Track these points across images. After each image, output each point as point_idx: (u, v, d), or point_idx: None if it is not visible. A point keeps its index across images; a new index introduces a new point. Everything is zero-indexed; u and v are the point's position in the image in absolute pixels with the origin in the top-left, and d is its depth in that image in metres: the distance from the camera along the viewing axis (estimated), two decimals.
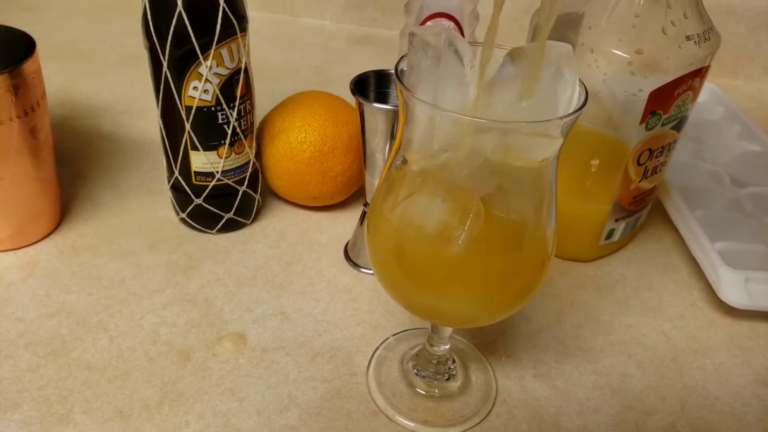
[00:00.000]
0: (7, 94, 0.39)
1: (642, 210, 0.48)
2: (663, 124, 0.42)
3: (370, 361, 0.39)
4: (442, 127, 0.26)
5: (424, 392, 0.37)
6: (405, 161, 0.29)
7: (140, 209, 0.50)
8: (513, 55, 0.27)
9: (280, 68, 0.72)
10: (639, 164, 0.44)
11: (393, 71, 0.41)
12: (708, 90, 0.66)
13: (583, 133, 0.44)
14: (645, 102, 0.40)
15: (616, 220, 0.46)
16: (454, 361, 0.39)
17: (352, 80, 0.40)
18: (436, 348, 0.37)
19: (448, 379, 0.38)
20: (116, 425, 0.34)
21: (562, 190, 0.45)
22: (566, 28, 0.42)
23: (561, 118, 0.25)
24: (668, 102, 0.41)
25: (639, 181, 0.45)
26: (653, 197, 0.49)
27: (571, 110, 0.26)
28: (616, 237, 0.48)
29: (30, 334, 0.39)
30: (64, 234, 0.47)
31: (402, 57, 0.28)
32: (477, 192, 0.28)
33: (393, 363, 0.39)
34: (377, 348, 0.40)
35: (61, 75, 0.67)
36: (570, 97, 0.27)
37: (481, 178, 0.27)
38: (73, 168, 0.53)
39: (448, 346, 0.37)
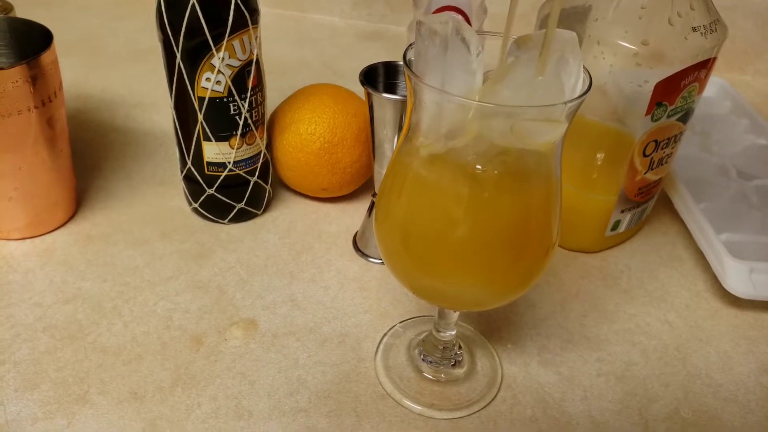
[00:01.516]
0: (25, 84, 0.40)
1: (648, 201, 0.49)
2: (669, 116, 0.43)
3: (377, 347, 0.40)
4: (449, 112, 0.27)
5: (430, 377, 0.38)
6: (412, 147, 0.30)
7: (153, 199, 0.51)
8: (519, 43, 0.28)
9: (290, 63, 0.73)
10: (645, 155, 0.44)
11: (401, 63, 0.42)
12: (716, 84, 0.67)
13: (588, 125, 0.45)
14: (651, 93, 0.41)
15: (622, 212, 0.47)
16: (460, 347, 0.39)
17: (361, 71, 0.41)
18: (442, 334, 0.38)
19: (454, 365, 0.39)
20: (131, 406, 0.35)
21: (568, 182, 0.46)
22: (573, 20, 0.43)
23: (565, 102, 0.26)
24: (674, 93, 0.42)
25: (645, 173, 0.45)
26: (659, 189, 0.49)
27: (576, 96, 0.27)
28: (621, 228, 0.48)
29: (47, 318, 0.40)
30: (80, 223, 0.48)
31: (410, 45, 0.29)
32: (483, 176, 0.28)
33: (400, 349, 0.40)
34: (385, 334, 0.41)
35: (75, 69, 0.68)
36: (574, 84, 0.27)
37: (487, 163, 0.28)
38: (87, 159, 0.54)
39: (454, 332, 0.38)
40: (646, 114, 0.42)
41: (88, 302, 0.42)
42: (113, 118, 0.60)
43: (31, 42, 0.43)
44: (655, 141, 0.44)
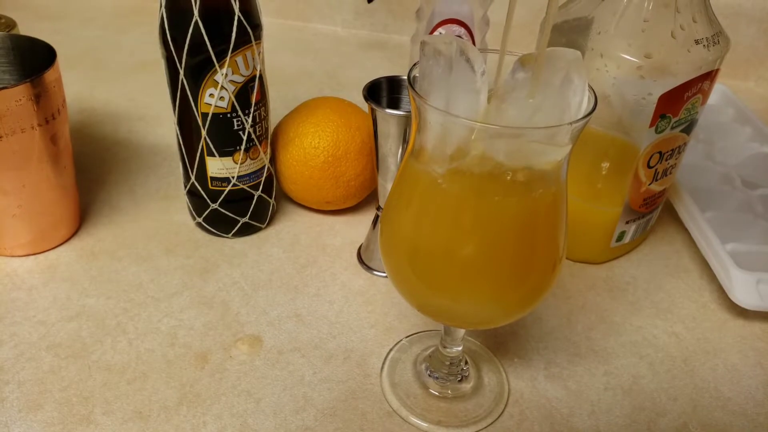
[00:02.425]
0: (29, 102, 0.40)
1: (653, 212, 0.49)
2: (673, 127, 0.43)
3: (383, 363, 0.40)
4: (454, 133, 0.27)
5: (437, 393, 0.38)
6: (418, 165, 0.30)
7: (157, 214, 0.51)
8: (523, 62, 0.28)
9: (293, 73, 0.73)
10: (649, 167, 0.44)
11: (405, 77, 0.42)
12: (718, 92, 0.66)
13: (593, 136, 0.45)
14: (654, 105, 0.40)
15: (627, 222, 0.47)
16: (466, 363, 0.39)
17: (365, 86, 0.41)
18: (449, 350, 0.37)
19: (460, 381, 0.39)
20: (136, 426, 0.35)
21: (573, 193, 0.46)
22: (576, 33, 0.43)
23: (570, 123, 0.26)
24: (678, 105, 0.42)
25: (649, 184, 0.45)
26: (664, 199, 0.49)
27: (581, 116, 0.27)
28: (627, 239, 0.48)
29: (51, 336, 0.40)
30: (84, 239, 0.48)
31: (414, 64, 0.29)
32: (488, 193, 0.28)
33: (406, 364, 0.40)
34: (391, 350, 0.41)
35: (79, 83, 0.68)
36: (579, 103, 0.27)
37: (493, 181, 0.28)
38: (91, 174, 0.54)
39: (460, 348, 0.38)
40: (650, 126, 0.42)
41: (92, 319, 0.41)
42: (117, 132, 0.60)
43: (35, 59, 0.43)
44: (660, 152, 0.44)
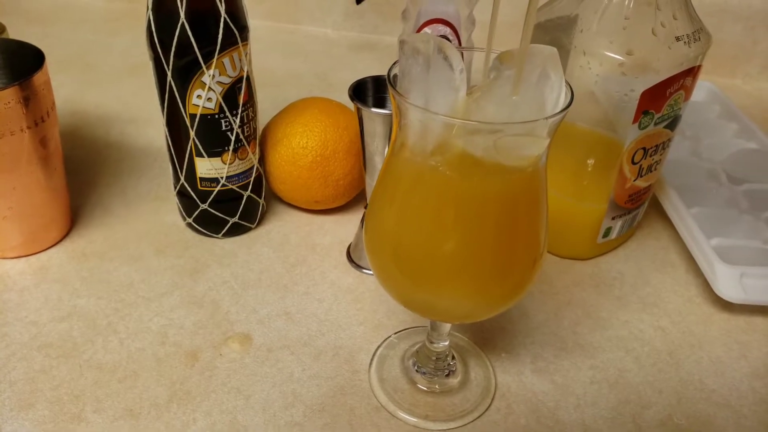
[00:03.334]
0: (17, 105, 0.41)
1: (639, 208, 0.49)
2: (656, 123, 0.43)
3: (372, 359, 0.40)
4: (434, 129, 0.27)
5: (424, 388, 0.38)
6: (399, 162, 0.30)
7: (148, 215, 0.51)
8: (502, 59, 0.28)
9: (283, 75, 0.74)
10: (633, 163, 0.45)
11: None
12: (704, 89, 0.67)
13: (578, 133, 0.45)
14: (637, 102, 0.41)
15: (613, 218, 0.47)
16: (453, 358, 0.40)
17: (350, 86, 0.41)
18: (435, 345, 0.38)
19: (447, 375, 0.39)
20: (126, 423, 0.36)
21: (558, 190, 0.47)
22: (559, 31, 0.43)
23: (546, 118, 0.26)
24: (660, 101, 0.42)
25: (634, 180, 0.46)
26: (649, 195, 0.50)
27: (558, 110, 0.27)
28: (613, 235, 0.49)
29: (43, 336, 0.41)
30: (75, 240, 0.48)
31: (394, 63, 0.29)
32: (468, 189, 0.29)
33: (394, 360, 0.40)
34: (379, 346, 0.41)
35: (69, 86, 0.68)
36: (557, 99, 0.28)
37: (472, 176, 0.28)
38: (82, 176, 0.55)
39: (447, 343, 0.38)
40: (633, 122, 0.42)
41: (83, 320, 0.42)
42: (108, 135, 0.61)
43: (24, 62, 0.44)
44: (644, 149, 0.44)
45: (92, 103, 0.66)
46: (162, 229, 0.50)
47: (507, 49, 0.29)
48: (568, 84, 0.28)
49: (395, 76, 0.29)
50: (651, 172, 0.47)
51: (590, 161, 0.45)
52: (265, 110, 0.51)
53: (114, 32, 0.82)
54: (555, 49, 0.27)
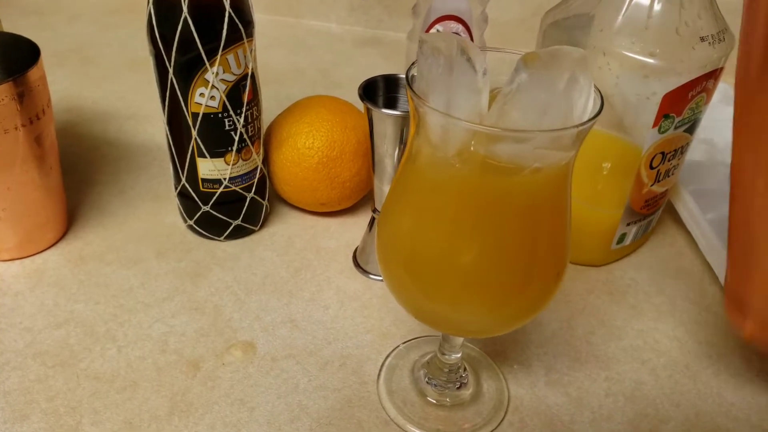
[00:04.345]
0: (12, 102, 0.39)
1: (654, 214, 0.48)
2: (676, 127, 0.42)
3: (380, 370, 0.39)
4: (455, 135, 0.26)
5: (435, 401, 0.37)
6: (416, 167, 0.28)
7: (148, 216, 0.49)
8: (526, 61, 0.27)
9: (286, 71, 0.72)
10: (651, 168, 0.43)
11: (402, 76, 0.41)
12: (719, 90, 0.65)
13: (593, 136, 0.43)
14: (658, 105, 0.40)
15: (628, 224, 0.46)
16: (465, 369, 0.38)
17: (360, 85, 0.39)
18: (447, 357, 0.36)
19: (459, 387, 0.38)
20: None
21: (573, 195, 0.45)
22: (576, 29, 0.41)
23: (576, 126, 0.25)
24: (682, 104, 0.41)
25: (651, 185, 0.44)
26: (666, 200, 0.48)
27: (587, 118, 0.26)
28: (627, 241, 0.47)
29: (38, 344, 0.39)
30: (71, 242, 0.47)
31: (412, 64, 0.27)
32: (491, 197, 0.27)
33: (404, 371, 0.39)
34: (387, 356, 0.40)
35: (67, 80, 0.67)
36: (585, 104, 0.26)
37: (495, 184, 0.27)
38: (79, 174, 0.53)
39: (459, 355, 0.37)
40: (653, 126, 0.41)
41: (80, 326, 0.40)
42: (106, 131, 0.59)
43: (18, 57, 0.42)
44: (662, 153, 0.43)
45: (90, 99, 0.64)
46: (162, 230, 0.48)
47: (532, 51, 0.27)
48: (597, 89, 0.27)
49: (413, 77, 0.27)
50: (668, 176, 0.45)
51: (606, 165, 0.44)
52: (268, 107, 0.50)
53: (113, 26, 0.80)
54: (584, 52, 0.26)
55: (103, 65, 0.71)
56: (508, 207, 0.27)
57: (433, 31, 0.46)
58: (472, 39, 0.46)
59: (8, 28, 0.47)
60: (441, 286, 0.29)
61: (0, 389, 0.36)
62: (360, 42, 0.80)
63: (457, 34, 0.46)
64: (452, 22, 0.44)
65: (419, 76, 0.27)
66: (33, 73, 0.40)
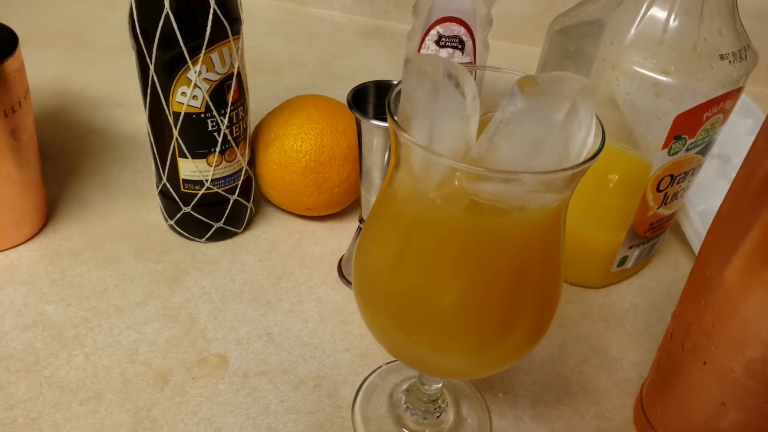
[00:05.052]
0: None
1: (659, 236, 0.45)
2: (688, 149, 0.39)
3: (357, 393, 0.37)
4: (436, 170, 0.23)
5: (412, 431, 0.35)
6: (397, 194, 0.26)
7: (129, 211, 0.48)
8: (522, 86, 0.24)
9: (284, 61, 0.69)
10: (659, 191, 0.41)
11: (395, 82, 0.38)
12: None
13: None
14: (669, 126, 0.37)
15: (630, 248, 0.43)
16: (445, 400, 0.36)
17: (349, 92, 0.37)
18: (427, 387, 0.34)
19: (439, 417, 0.36)
20: None
21: (573, 214, 0.42)
22: (585, 39, 0.39)
23: (572, 169, 0.22)
24: (695, 126, 0.38)
25: (657, 208, 0.42)
26: (672, 222, 0.46)
27: (585, 154, 0.23)
28: (629, 264, 0.45)
29: (3, 347, 0.37)
30: (49, 236, 0.45)
31: (396, 84, 0.25)
32: (475, 233, 0.25)
33: (381, 397, 0.37)
34: (366, 378, 0.38)
35: (57, 63, 0.64)
36: (585, 139, 0.24)
37: (479, 224, 0.24)
38: (62, 164, 0.51)
39: (440, 385, 0.35)
40: (663, 148, 0.38)
41: (48, 329, 0.39)
42: (93, 119, 0.57)
43: None
44: (671, 176, 0.40)
45: (80, 83, 0.62)
46: (142, 228, 0.46)
47: (530, 75, 0.24)
48: (599, 122, 0.24)
49: (395, 99, 0.25)
50: (676, 199, 0.43)
51: (611, 180, 0.41)
52: (263, 99, 0.47)
53: (110, 4, 0.77)
54: (588, 81, 0.23)
55: (96, 47, 0.68)
56: (493, 248, 0.25)
57: (433, 33, 0.43)
58: (473, 42, 0.43)
59: (3, 4, 0.45)
60: (420, 326, 0.27)
61: None
62: (363, 33, 0.76)
63: (458, 37, 0.43)
64: (454, 24, 0.42)
65: (404, 98, 0.25)
66: (9, 64, 0.38)
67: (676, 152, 0.39)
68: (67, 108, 0.58)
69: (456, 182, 0.23)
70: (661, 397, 0.34)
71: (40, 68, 0.62)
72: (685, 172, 0.41)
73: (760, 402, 0.28)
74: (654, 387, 0.35)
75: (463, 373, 0.30)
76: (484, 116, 0.26)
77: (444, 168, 0.23)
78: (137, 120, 0.57)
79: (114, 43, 0.69)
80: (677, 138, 0.38)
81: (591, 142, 0.24)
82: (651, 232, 0.43)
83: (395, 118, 0.24)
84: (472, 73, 0.37)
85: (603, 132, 0.24)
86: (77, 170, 0.51)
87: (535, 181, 0.22)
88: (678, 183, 0.41)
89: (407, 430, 0.35)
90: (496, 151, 0.23)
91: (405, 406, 0.36)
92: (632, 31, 0.37)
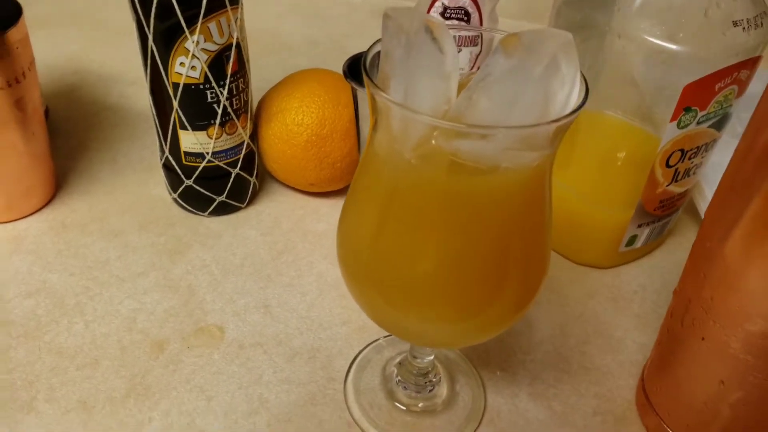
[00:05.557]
0: None
1: (671, 215, 0.43)
2: (699, 122, 0.37)
3: (350, 366, 0.36)
4: (413, 127, 0.23)
5: (403, 406, 0.35)
6: (376, 162, 0.26)
7: (135, 186, 0.48)
8: (505, 45, 0.23)
9: (298, 40, 0.69)
10: (668, 166, 0.39)
11: None
12: (762, 78, 0.59)
13: (607, 123, 0.40)
14: (678, 96, 0.35)
15: (639, 226, 0.42)
16: (437, 375, 0.36)
17: (345, 61, 0.36)
18: (419, 360, 0.34)
19: (431, 391, 0.35)
20: (77, 417, 0.33)
21: (578, 189, 0.41)
22: (593, 8, 0.37)
23: (549, 123, 0.21)
24: (707, 97, 0.36)
25: (667, 185, 0.40)
26: (685, 201, 0.44)
27: (568, 111, 0.22)
28: (638, 244, 0.43)
29: (6, 312, 0.38)
30: (57, 208, 0.46)
31: (375, 43, 0.24)
32: (455, 193, 0.24)
33: (375, 370, 0.36)
34: (360, 351, 0.37)
35: (76, 42, 0.65)
36: (567, 96, 0.23)
37: (458, 185, 0.24)
38: (74, 139, 0.52)
39: (431, 358, 0.34)
40: (672, 120, 0.36)
41: (50, 297, 0.39)
42: (107, 96, 0.58)
43: (1, 17, 0.40)
44: (681, 150, 0.38)
45: (97, 62, 0.62)
46: (147, 202, 0.47)
47: (513, 33, 0.24)
48: (583, 78, 0.23)
49: (375, 57, 0.24)
50: (688, 176, 0.41)
51: (620, 155, 0.40)
52: (275, 78, 0.47)
53: None
54: (570, 35, 0.22)
55: (114, 27, 0.69)
56: (472, 211, 0.24)
57: (438, 4, 0.42)
58: (480, 14, 0.42)
59: None
60: (400, 292, 0.27)
61: None
62: (378, 13, 0.75)
63: (463, 8, 0.42)
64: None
65: (384, 57, 0.24)
66: (12, 34, 0.38)
67: (686, 125, 0.37)
68: (84, 85, 0.59)
69: (433, 141, 0.23)
70: (661, 377, 0.32)
71: (59, 47, 0.63)
72: (697, 147, 0.39)
73: (760, 379, 0.27)
74: (654, 366, 0.33)
75: (446, 341, 0.29)
76: (468, 77, 0.25)
77: (421, 126, 0.22)
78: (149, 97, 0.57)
79: (128, 24, 0.69)
80: (687, 110, 0.36)
81: (574, 101, 0.23)
82: (661, 210, 0.42)
83: (372, 78, 0.23)
84: (477, 38, 0.36)
85: (587, 89, 0.23)
86: (89, 145, 0.52)
87: (512, 136, 0.21)
88: (689, 159, 0.40)
89: (399, 403, 0.35)
90: (475, 109, 0.23)
91: (397, 379, 0.35)
92: None
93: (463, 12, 0.43)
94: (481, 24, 0.44)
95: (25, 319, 0.38)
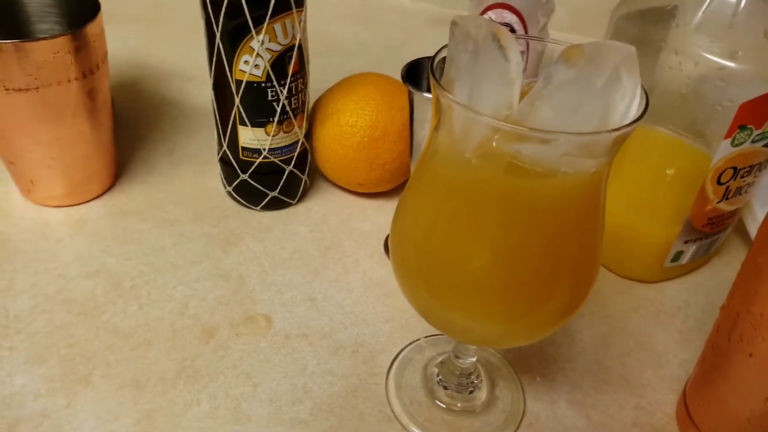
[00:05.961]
0: (67, 55, 0.40)
1: (719, 234, 0.43)
2: (754, 141, 0.37)
3: (392, 363, 0.37)
4: (475, 129, 0.23)
5: (443, 404, 0.35)
6: (437, 156, 0.26)
7: (192, 177, 0.50)
8: (567, 56, 0.24)
9: (351, 46, 0.71)
10: (719, 183, 0.39)
11: None
12: None
13: (658, 139, 0.40)
14: (733, 114, 0.35)
15: (686, 242, 0.42)
16: (479, 376, 0.36)
17: (404, 66, 0.37)
18: (461, 360, 0.35)
19: (472, 392, 0.36)
20: (130, 393, 0.35)
21: (626, 202, 0.42)
22: (650, 24, 0.38)
23: (608, 132, 0.22)
24: (763, 116, 0.36)
25: (717, 202, 0.40)
26: (735, 220, 0.43)
27: (626, 122, 0.23)
28: (684, 260, 0.43)
29: (68, 291, 0.40)
30: (116, 195, 0.48)
31: (441, 48, 0.25)
32: (513, 196, 0.25)
33: (416, 368, 0.37)
34: (403, 349, 0.38)
35: (139, 37, 0.68)
36: (627, 108, 0.23)
37: (515, 188, 0.24)
38: (134, 131, 0.54)
39: (474, 359, 0.35)
40: (726, 137, 0.36)
41: (108, 279, 0.41)
42: (167, 91, 0.60)
43: (79, 11, 0.43)
44: (734, 168, 0.38)
45: (158, 57, 0.65)
46: (203, 194, 0.49)
47: (576, 44, 0.24)
48: (644, 90, 0.24)
49: (441, 62, 0.25)
50: (739, 195, 0.41)
51: (669, 171, 0.40)
52: (328, 81, 0.48)
53: None
54: (633, 49, 0.23)
55: (176, 24, 0.72)
56: (528, 213, 0.25)
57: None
58: (525, 31, 0.43)
59: None
60: (453, 292, 0.27)
61: (27, 330, 0.38)
62: (434, 21, 0.77)
63: (509, 25, 0.43)
64: (506, 11, 0.41)
65: (449, 62, 0.25)
66: (90, 28, 0.41)
67: (741, 143, 0.37)
68: (145, 79, 0.61)
69: (494, 143, 0.23)
70: (704, 392, 0.32)
71: (123, 42, 0.66)
72: (750, 166, 0.39)
73: None
74: (698, 381, 0.33)
75: (491, 340, 0.30)
76: (529, 85, 0.26)
77: (484, 128, 0.23)
78: (207, 94, 0.59)
79: (192, 21, 0.72)
80: (742, 128, 0.36)
81: (634, 112, 0.23)
82: (710, 227, 0.42)
83: (439, 80, 0.24)
84: (523, 52, 0.36)
85: (647, 102, 0.23)
86: (148, 137, 0.54)
87: (572, 142, 0.22)
88: (742, 177, 0.39)
89: (439, 401, 0.35)
90: (537, 115, 0.23)
91: (438, 378, 0.36)
92: (700, 13, 0.35)
93: (508, 28, 0.43)
94: None
95: (84, 298, 0.40)
